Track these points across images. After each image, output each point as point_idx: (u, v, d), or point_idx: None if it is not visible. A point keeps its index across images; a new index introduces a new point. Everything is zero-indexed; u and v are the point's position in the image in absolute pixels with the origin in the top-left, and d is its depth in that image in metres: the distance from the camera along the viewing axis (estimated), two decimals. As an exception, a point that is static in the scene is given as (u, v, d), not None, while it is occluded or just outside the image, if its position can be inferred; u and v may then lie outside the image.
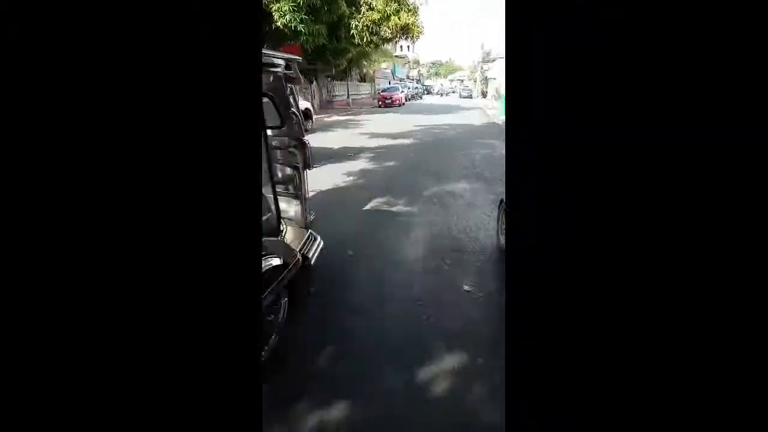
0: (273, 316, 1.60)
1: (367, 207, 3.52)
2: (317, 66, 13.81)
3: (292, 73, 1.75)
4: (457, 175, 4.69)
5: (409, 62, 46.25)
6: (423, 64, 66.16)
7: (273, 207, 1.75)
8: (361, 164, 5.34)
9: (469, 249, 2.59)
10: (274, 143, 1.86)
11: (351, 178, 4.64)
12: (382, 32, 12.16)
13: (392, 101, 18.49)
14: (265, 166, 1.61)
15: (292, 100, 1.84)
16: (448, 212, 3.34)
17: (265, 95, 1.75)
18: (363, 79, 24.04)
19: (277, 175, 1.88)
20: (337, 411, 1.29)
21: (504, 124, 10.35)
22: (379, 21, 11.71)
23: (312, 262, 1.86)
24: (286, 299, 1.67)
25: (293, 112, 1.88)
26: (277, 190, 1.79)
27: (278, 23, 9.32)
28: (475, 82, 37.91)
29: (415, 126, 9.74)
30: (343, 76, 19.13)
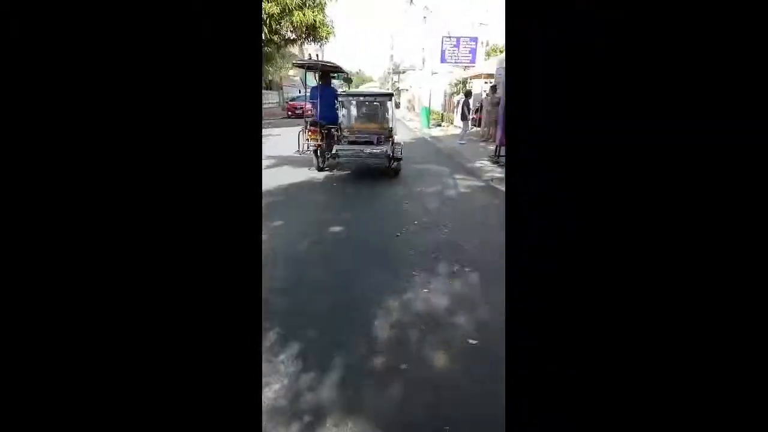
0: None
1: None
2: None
3: None
4: (423, 262, 2.31)
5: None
6: (335, 75, 64.71)
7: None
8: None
9: None
10: None
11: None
12: (283, 30, 10.03)
13: (303, 111, 16.45)
14: None
15: None
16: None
17: None
18: (269, 87, 21.38)
19: None
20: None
21: (433, 140, 8.44)
22: (279, 16, 9.58)
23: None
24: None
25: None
26: None
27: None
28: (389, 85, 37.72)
29: None
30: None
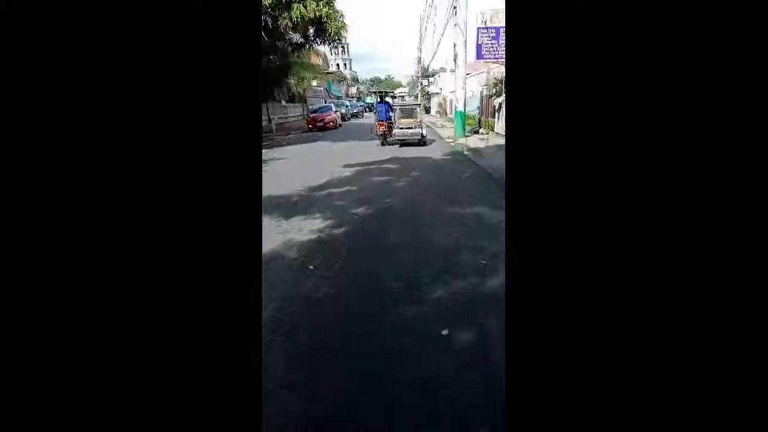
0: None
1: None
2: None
3: None
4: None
5: (346, 79, 43.29)
6: (363, 82, 64.03)
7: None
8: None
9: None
10: None
11: None
12: (281, 23, 8.33)
13: (324, 123, 14.79)
14: None
15: None
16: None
17: None
18: (291, 99, 20.35)
19: None
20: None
21: (472, 155, 6.53)
22: (273, 8, 7.86)
23: None
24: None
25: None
26: None
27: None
28: (416, 97, 35.89)
29: (345, 167, 5.93)
30: (267, 97, 15.26)
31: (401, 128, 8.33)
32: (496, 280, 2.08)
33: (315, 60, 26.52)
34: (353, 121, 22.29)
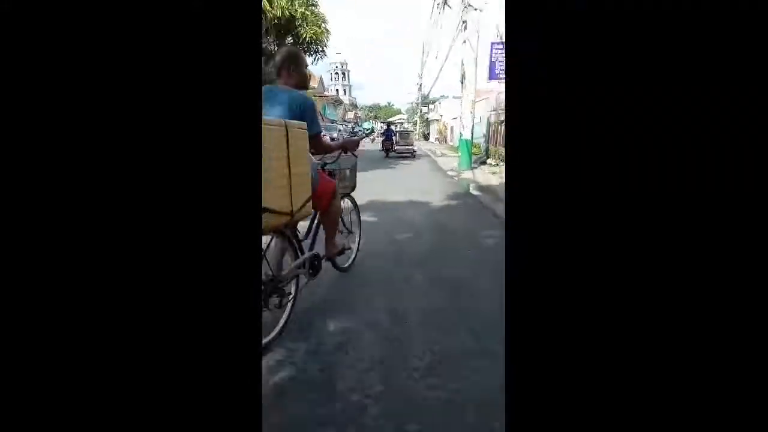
0: None
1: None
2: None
3: None
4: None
5: (343, 104, 42.31)
6: (361, 108, 63.65)
7: None
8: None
9: None
10: None
11: None
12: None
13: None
14: None
15: None
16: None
17: None
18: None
19: None
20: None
21: (486, 197, 5.12)
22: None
23: None
24: None
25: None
26: None
27: None
28: (415, 124, 34.47)
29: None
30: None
31: (400, 145, 12.72)
32: None
33: (311, 81, 25.30)
34: (346, 146, 20.55)
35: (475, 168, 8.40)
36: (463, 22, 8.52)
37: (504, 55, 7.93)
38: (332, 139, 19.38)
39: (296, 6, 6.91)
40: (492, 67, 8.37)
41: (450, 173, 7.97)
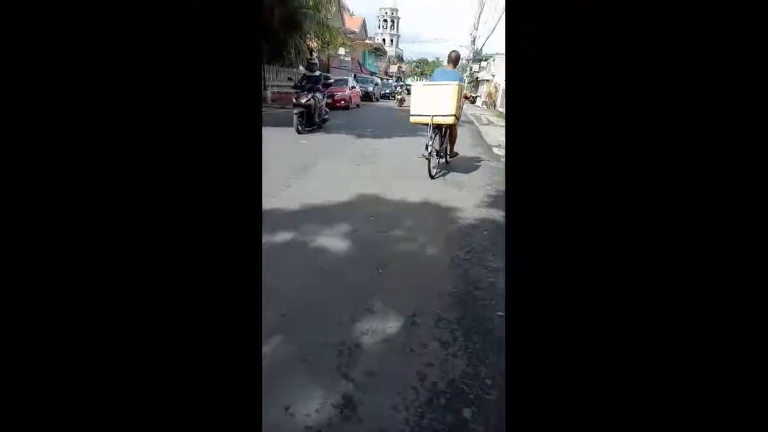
0: None
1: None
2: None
3: None
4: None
5: (387, 55, 38.90)
6: (408, 62, 59.02)
7: None
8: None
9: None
10: None
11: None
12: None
13: (332, 102, 11.33)
14: None
15: None
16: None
17: None
18: (310, 68, 16.84)
19: None
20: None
21: None
22: None
23: None
24: None
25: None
26: None
27: None
28: (462, 79, 31.00)
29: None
30: (272, 58, 11.83)
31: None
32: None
33: (351, 24, 22.61)
34: (381, 103, 18.33)
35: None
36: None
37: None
38: (367, 93, 17.08)
39: None
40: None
41: (494, 149, 6.07)
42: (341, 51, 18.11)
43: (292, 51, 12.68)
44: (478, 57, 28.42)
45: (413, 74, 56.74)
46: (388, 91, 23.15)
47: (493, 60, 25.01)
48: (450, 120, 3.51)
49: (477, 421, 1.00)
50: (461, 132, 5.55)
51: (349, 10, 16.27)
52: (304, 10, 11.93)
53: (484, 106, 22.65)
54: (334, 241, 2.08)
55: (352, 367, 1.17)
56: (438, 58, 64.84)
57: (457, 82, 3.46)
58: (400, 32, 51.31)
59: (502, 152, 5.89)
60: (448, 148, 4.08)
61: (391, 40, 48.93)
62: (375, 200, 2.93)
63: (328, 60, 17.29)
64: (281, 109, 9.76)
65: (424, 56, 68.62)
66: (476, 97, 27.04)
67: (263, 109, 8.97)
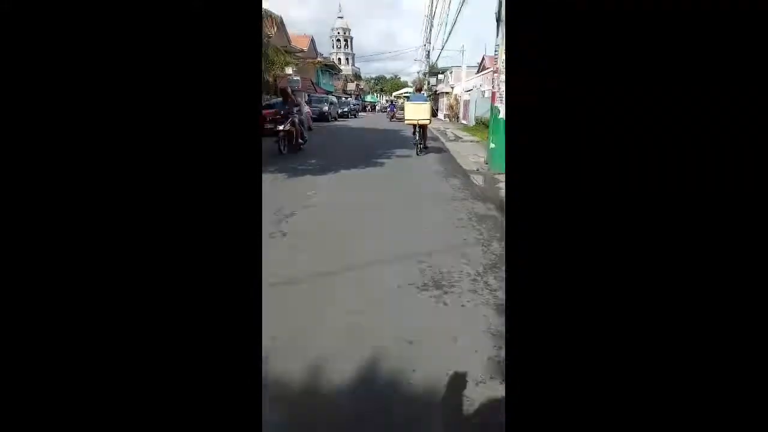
0: None
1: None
2: None
3: None
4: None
5: (341, 73, 37.88)
6: (366, 79, 58.65)
7: None
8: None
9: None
10: None
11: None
12: None
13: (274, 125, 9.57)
14: None
15: None
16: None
17: None
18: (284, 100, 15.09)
19: None
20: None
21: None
22: None
23: None
24: None
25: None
26: None
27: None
28: (429, 98, 30.40)
29: None
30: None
31: (399, 115, 15.32)
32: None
33: (299, 43, 21.17)
34: (339, 123, 16.83)
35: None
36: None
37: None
38: (322, 113, 15.66)
39: None
40: None
41: (475, 178, 4.62)
42: (288, 70, 16.52)
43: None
44: (435, 70, 27.95)
45: (373, 91, 56.24)
46: (347, 109, 21.72)
47: (451, 72, 24.47)
48: (426, 121, 6.66)
49: None
50: (427, 155, 6.95)
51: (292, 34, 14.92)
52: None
53: (447, 119, 21.80)
54: None
55: None
56: (396, 75, 65.21)
57: (428, 102, 6.96)
58: (355, 51, 50.84)
59: (479, 172, 4.44)
60: (424, 141, 7.01)
61: (347, 59, 48.22)
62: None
63: (275, 81, 15.61)
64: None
65: (382, 73, 68.75)
66: (436, 111, 26.31)
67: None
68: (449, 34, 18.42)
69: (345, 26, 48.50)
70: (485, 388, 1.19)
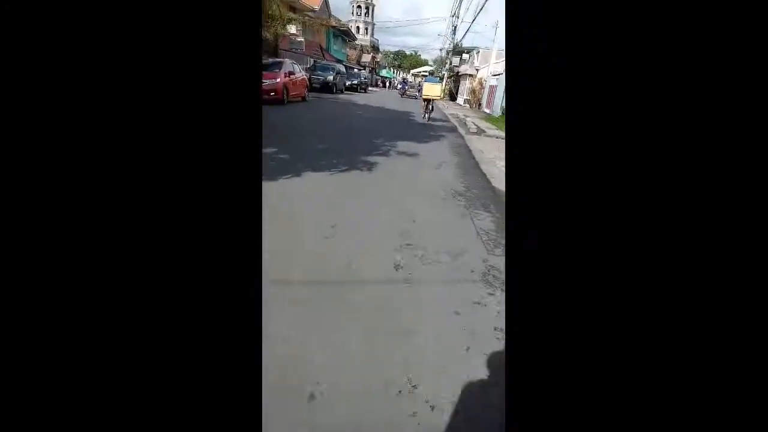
0: None
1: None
2: None
3: None
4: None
5: (360, 44, 35.03)
6: (385, 53, 55.20)
7: None
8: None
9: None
10: None
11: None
12: None
13: (264, 91, 7.69)
14: None
15: None
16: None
17: None
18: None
19: None
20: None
21: None
22: None
23: None
24: None
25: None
26: None
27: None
28: (442, 79, 27.68)
29: None
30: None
31: (410, 93, 19.40)
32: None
33: (309, 1, 18.66)
34: (344, 96, 14.74)
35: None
36: None
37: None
38: (325, 82, 13.64)
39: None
40: None
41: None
42: (291, 29, 14.32)
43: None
44: (459, 49, 25.27)
45: (390, 66, 52.98)
46: (356, 81, 19.42)
47: (477, 52, 21.88)
48: (437, 98, 9.54)
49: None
50: (438, 150, 5.18)
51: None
52: None
53: (467, 105, 19.52)
54: None
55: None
56: (416, 51, 61.48)
57: (439, 84, 10.17)
58: (376, 21, 47.32)
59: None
60: (431, 113, 9.53)
61: (366, 29, 44.90)
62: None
63: (276, 39, 13.47)
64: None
65: (402, 48, 64.90)
66: (455, 94, 23.83)
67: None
68: (482, 6, 15.99)
69: (368, -9, 44.80)
70: None
